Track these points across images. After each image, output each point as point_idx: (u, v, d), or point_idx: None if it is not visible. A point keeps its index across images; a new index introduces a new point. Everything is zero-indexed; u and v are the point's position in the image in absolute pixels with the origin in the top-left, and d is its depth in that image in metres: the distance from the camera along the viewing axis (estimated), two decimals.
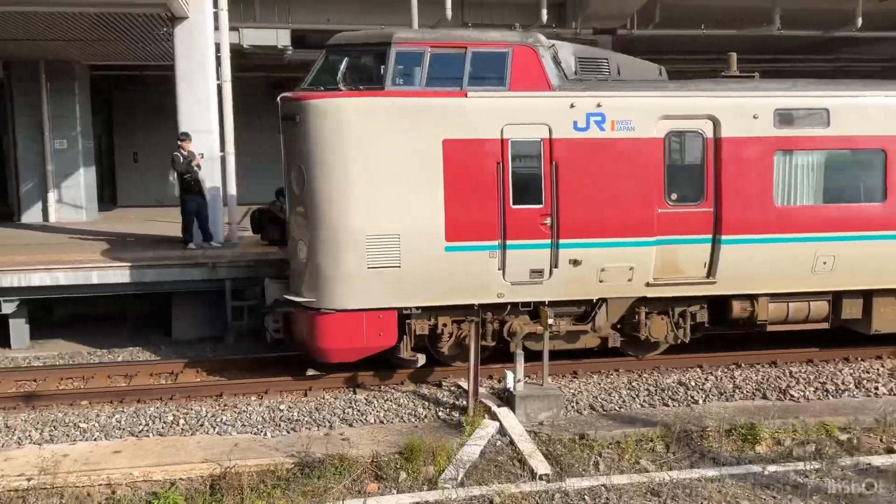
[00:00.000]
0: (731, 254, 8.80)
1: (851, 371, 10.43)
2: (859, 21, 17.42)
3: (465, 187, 8.10)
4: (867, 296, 9.61)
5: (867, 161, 8.99)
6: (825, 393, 9.90)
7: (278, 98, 8.47)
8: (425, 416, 8.90)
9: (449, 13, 16.53)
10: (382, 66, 8.01)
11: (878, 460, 8.18)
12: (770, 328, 9.72)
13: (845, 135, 8.79)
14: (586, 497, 7.35)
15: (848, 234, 8.97)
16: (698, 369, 10.66)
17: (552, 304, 8.72)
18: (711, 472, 7.93)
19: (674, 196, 8.90)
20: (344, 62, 8.17)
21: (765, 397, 9.77)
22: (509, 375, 9.27)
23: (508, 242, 8.31)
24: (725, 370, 10.65)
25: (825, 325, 9.88)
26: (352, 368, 9.62)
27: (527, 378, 9.27)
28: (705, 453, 8.39)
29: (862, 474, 7.88)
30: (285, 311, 8.78)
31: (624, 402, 9.55)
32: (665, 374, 10.37)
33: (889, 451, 8.45)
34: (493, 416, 8.82)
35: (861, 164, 9.02)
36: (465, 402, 9.13)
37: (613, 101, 8.45)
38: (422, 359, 9.30)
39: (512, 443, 8.28)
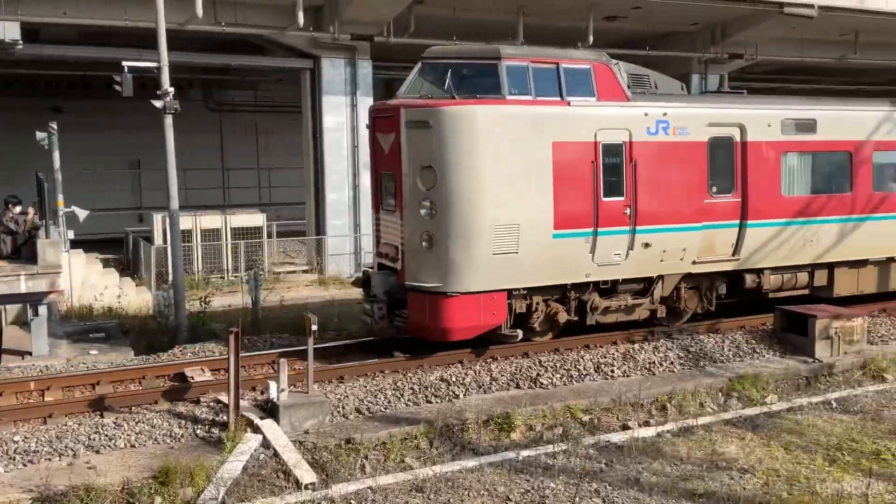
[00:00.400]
0: (752, 235, 10.96)
1: (592, 357, 11.14)
2: (591, 38, 19.04)
3: (569, 182, 9.66)
4: (831, 268, 12.20)
5: (839, 160, 11.63)
6: (570, 379, 10.55)
7: (371, 107, 10.09)
8: (182, 436, 8.68)
9: (200, 11, 15.86)
10: (495, 79, 9.40)
11: (616, 437, 8.90)
12: (770, 295, 11.99)
13: (826, 139, 11.35)
14: (352, 501, 7.37)
15: (827, 218, 11.57)
16: (459, 365, 10.93)
17: (624, 281, 10.51)
18: (472, 463, 8.22)
19: (714, 189, 10.95)
20: (448, 74, 9.34)
21: (518, 387, 10.29)
22: (272, 385, 9.13)
23: (599, 230, 9.92)
24: (483, 364, 10.98)
25: (806, 292, 12.28)
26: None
27: (291, 387, 9.18)
28: (466, 445, 8.67)
29: (603, 451, 8.53)
30: (392, 299, 9.92)
31: (390, 402, 9.69)
32: (428, 372, 10.59)
33: (624, 427, 9.21)
34: (257, 430, 8.76)
35: (835, 162, 11.63)
36: (225, 418, 8.94)
37: (675, 110, 10.42)
38: (520, 334, 10.50)
39: (276, 454, 8.20)
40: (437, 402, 9.69)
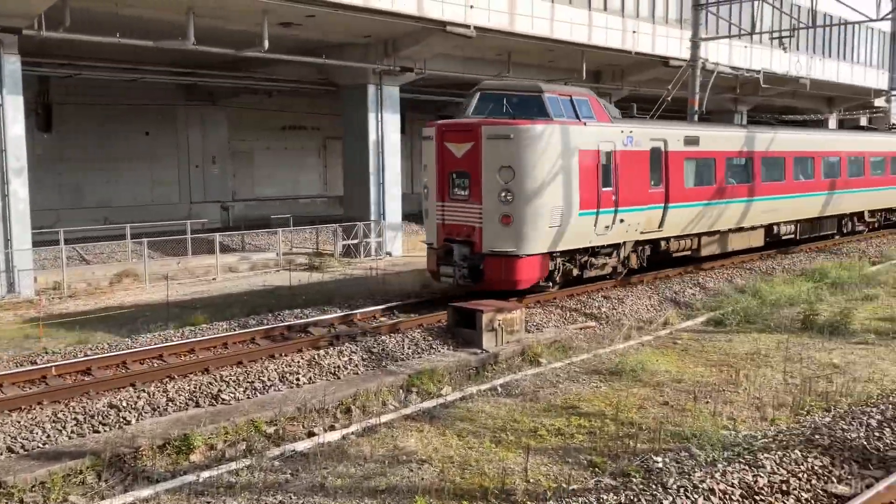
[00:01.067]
0: (670, 214, 16.12)
1: (276, 367, 11.08)
2: (266, 43, 18.82)
3: (585, 177, 14.08)
4: (699, 237, 18.18)
5: (710, 163, 17.52)
6: (254, 391, 10.38)
7: (439, 124, 14.28)
8: None
9: None
10: (542, 107, 13.98)
11: (301, 445, 8.82)
12: (675, 255, 17.38)
13: (705, 150, 17.14)
14: None
15: (706, 202, 17.14)
16: (131, 388, 10.41)
17: (604, 247, 15.34)
18: (146, 492, 7.70)
19: (652, 182, 15.85)
20: (504, 102, 13.91)
21: (198, 405, 9.88)
22: None
23: (600, 210, 14.38)
24: (159, 384, 10.55)
25: (688, 253, 18.22)
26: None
27: None
28: (140, 474, 8.15)
29: (288, 461, 8.42)
30: (471, 262, 14.00)
31: (49, 437, 8.94)
32: (95, 399, 9.82)
33: (310, 434, 9.18)
34: None
35: (708, 165, 17.43)
36: None
37: (635, 129, 15.19)
38: (551, 286, 15.01)
39: None
40: (105, 432, 9.01)
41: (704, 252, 18.56)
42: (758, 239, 20.20)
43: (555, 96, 14.71)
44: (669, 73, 27.79)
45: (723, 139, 18.73)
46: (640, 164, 16.00)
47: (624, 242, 16.23)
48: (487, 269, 14.33)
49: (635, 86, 30.57)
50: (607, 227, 15.40)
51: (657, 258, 17.56)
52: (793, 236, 21.67)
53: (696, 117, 22.01)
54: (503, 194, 14.17)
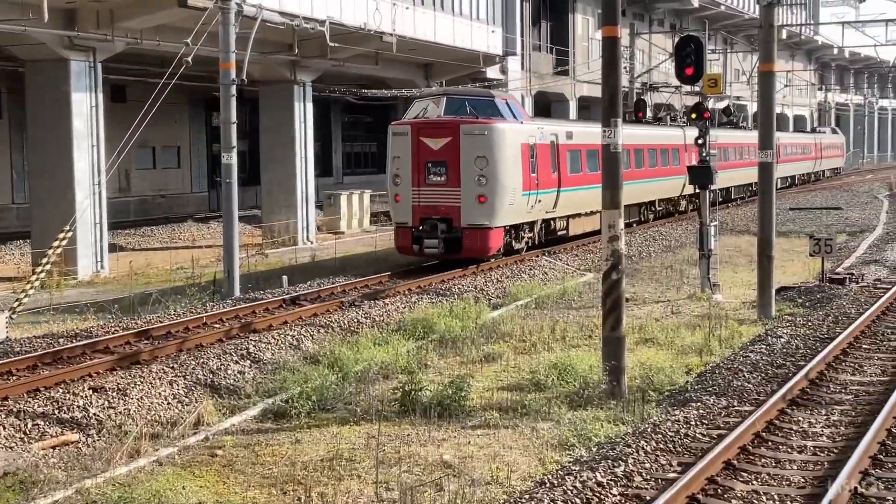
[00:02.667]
0: (562, 197, 30.04)
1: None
2: None
3: (525, 165, 28.38)
4: (570, 217, 33.35)
5: (578, 155, 31.91)
6: None
7: (413, 124, 28.36)
8: None
9: None
10: (496, 109, 28.78)
11: None
12: (571, 233, 32.63)
13: (578, 143, 31.60)
14: None
15: (578, 187, 31.05)
16: None
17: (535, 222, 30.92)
18: None
19: (551, 169, 30.29)
20: (467, 104, 28.56)
21: None
22: None
23: (531, 192, 28.93)
24: None
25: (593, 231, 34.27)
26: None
27: None
28: None
29: None
30: (449, 235, 27.40)
31: None
32: None
33: None
34: None
35: (578, 156, 31.75)
36: None
37: (544, 126, 30.22)
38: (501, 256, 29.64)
39: None
40: None
41: (577, 231, 33.66)
42: (594, 223, 33.82)
43: (502, 100, 29.63)
44: (190, 17, 27.46)
45: (584, 134, 33.00)
46: (547, 154, 30.02)
47: (538, 220, 30.57)
48: (466, 240, 27.62)
49: (135, 36, 30.02)
50: (532, 206, 29.12)
51: (550, 237, 32.09)
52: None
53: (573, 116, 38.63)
54: (479, 178, 27.43)
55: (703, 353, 18.69)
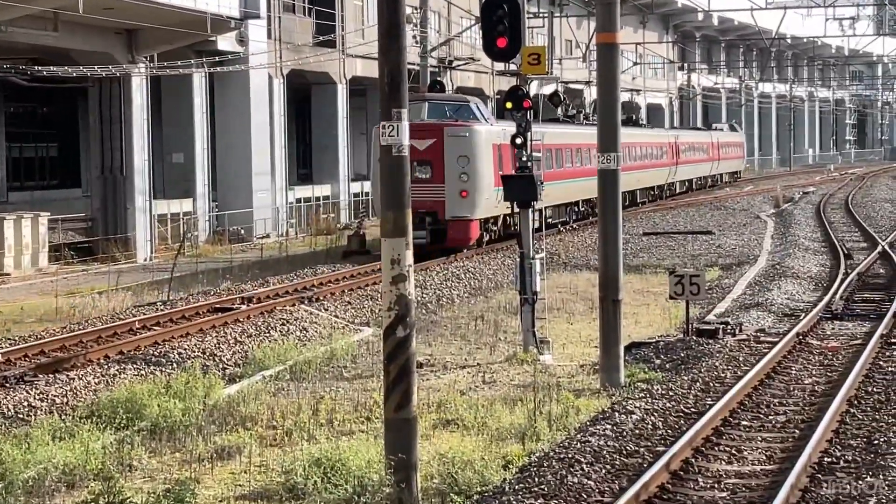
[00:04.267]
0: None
1: None
2: None
3: (495, 163, 47.84)
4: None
5: (550, 154, 52.67)
6: None
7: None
8: None
9: None
10: (471, 112, 49.05)
11: None
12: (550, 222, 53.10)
13: (549, 142, 46.39)
14: None
15: (556, 182, 52.32)
16: None
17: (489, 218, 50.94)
18: None
19: (511, 167, 37.00)
20: (446, 109, 48.06)
21: None
22: None
23: (497, 187, 41.98)
24: None
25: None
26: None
27: None
28: None
29: None
30: (435, 227, 45.68)
31: None
32: None
33: None
34: None
35: (550, 154, 52.98)
36: None
37: (506, 127, 41.63)
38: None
39: None
40: None
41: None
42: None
43: (475, 104, 48.00)
44: None
45: (553, 134, 49.72)
46: (509, 154, 35.77)
47: (501, 214, 46.34)
48: (451, 231, 44.38)
49: None
50: (499, 201, 39.62)
51: (507, 231, 47.41)
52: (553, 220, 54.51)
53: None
54: (461, 175, 44.05)
55: (528, 438, 18.92)
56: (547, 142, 46.12)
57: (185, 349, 26.13)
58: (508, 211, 43.80)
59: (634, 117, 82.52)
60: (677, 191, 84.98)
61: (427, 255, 42.76)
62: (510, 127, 40.79)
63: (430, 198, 43.91)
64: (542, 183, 26.92)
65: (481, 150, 45.53)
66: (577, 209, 61.10)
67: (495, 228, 49.02)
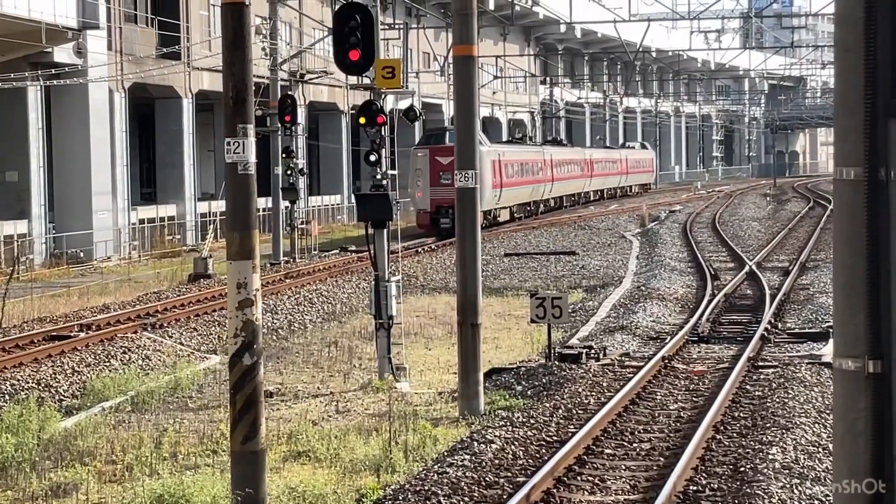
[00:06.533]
0: (504, 193, 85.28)
1: None
2: None
3: (492, 172, 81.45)
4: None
5: (510, 165, 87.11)
6: None
7: (430, 147, 76.33)
8: None
9: None
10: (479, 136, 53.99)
11: None
12: (501, 220, 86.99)
13: (509, 159, 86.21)
14: None
15: (512, 188, 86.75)
16: None
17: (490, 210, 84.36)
18: None
19: (494, 177, 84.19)
20: (446, 135, 77.61)
21: None
22: None
23: (494, 189, 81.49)
24: None
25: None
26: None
27: None
28: None
29: None
30: (454, 216, 32.97)
31: None
32: None
33: None
34: None
35: (509, 166, 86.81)
36: None
37: (497, 149, 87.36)
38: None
39: None
40: None
41: (505, 218, 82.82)
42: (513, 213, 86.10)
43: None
44: None
45: (512, 152, 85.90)
46: (498, 166, 78.48)
47: (492, 208, 78.33)
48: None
49: None
50: (497, 197, 78.71)
51: (492, 222, 78.51)
52: (531, 210, 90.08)
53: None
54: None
55: (383, 470, 18.90)
56: (504, 158, 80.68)
57: (18, 380, 25.75)
58: (498, 206, 79.97)
59: (558, 137, 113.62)
60: (591, 198, 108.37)
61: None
62: (501, 147, 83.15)
63: (450, 196, 58.54)
64: (397, 202, 26.93)
65: (485, 164, 69.52)
66: (528, 207, 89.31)
67: (490, 217, 75.67)
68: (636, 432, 20.97)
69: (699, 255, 52.58)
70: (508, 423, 21.60)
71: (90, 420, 22.90)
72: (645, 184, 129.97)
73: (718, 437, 20.47)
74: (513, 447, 19.77)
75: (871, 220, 6.63)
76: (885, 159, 6.60)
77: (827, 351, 27.82)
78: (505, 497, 16.74)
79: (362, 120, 26.67)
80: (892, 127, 6.60)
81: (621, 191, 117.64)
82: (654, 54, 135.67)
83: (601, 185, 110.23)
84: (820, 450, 19.26)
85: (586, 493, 17.40)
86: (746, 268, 46.16)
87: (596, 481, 17.91)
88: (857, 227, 6.69)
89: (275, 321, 35.15)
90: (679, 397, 23.96)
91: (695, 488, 17.34)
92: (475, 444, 20.02)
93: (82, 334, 31.52)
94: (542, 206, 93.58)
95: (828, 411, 21.99)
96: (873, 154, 6.60)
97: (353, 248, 58.62)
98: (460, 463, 18.77)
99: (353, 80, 28.84)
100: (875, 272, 6.66)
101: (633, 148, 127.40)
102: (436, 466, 18.79)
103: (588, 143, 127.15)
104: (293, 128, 53.96)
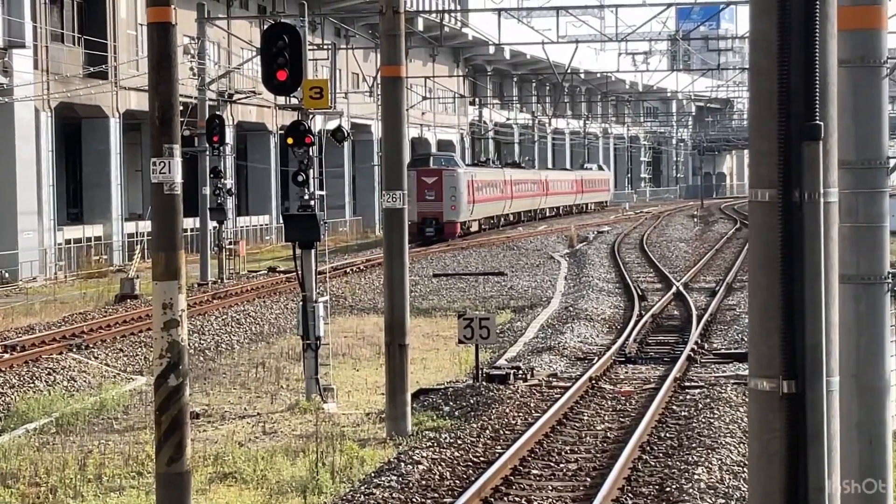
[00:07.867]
0: (476, 206, 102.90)
1: None
2: None
3: (468, 190, 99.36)
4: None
5: (481, 184, 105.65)
6: None
7: (417, 170, 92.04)
8: None
9: None
10: (454, 162, 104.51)
11: None
12: (472, 230, 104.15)
13: (480, 178, 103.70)
14: None
15: (484, 202, 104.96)
16: None
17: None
18: None
19: (473, 193, 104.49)
20: (442, 160, 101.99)
21: None
22: None
23: (469, 204, 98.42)
24: None
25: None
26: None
27: None
28: None
29: None
30: (437, 227, 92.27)
31: None
32: None
33: None
34: None
35: (482, 185, 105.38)
36: None
37: (470, 171, 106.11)
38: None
39: None
40: None
41: (475, 229, 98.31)
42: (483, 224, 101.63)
43: (456, 157, 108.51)
44: None
45: (484, 173, 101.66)
46: (471, 184, 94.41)
47: (466, 220, 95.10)
48: (446, 228, 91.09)
49: None
50: (471, 211, 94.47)
51: (466, 231, 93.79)
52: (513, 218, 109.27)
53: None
54: (451, 197, 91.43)
55: (309, 491, 18.94)
56: (476, 178, 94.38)
57: None
58: (471, 219, 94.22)
59: (516, 160, 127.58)
60: (547, 214, 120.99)
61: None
62: (473, 169, 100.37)
63: (433, 210, 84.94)
64: (324, 222, 27.03)
65: (462, 183, 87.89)
66: (492, 220, 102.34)
67: (464, 228, 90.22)
68: (563, 453, 21.07)
69: (627, 276, 52.84)
70: (436, 444, 21.67)
71: (14, 442, 22.77)
72: (601, 201, 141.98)
73: (645, 457, 20.61)
74: (440, 468, 19.83)
75: (786, 242, 6.74)
76: (798, 182, 6.72)
77: None
78: None
79: (290, 140, 26.70)
80: (806, 150, 6.72)
81: (577, 208, 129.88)
82: (582, 76, 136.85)
83: (555, 202, 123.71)
84: (744, 470, 19.41)
85: None
86: (674, 288, 46.45)
87: (523, 502, 18.00)
88: (771, 249, 6.81)
89: (202, 342, 35.06)
90: (606, 418, 24.10)
91: None
92: (402, 465, 20.07)
93: (6, 355, 31.25)
94: (502, 219, 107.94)
95: None
96: (787, 176, 6.71)
97: (282, 268, 58.10)
98: (387, 484, 18.82)
99: (281, 100, 28.70)
100: (789, 294, 6.77)
101: (591, 169, 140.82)
102: (363, 488, 18.85)
103: (543, 165, 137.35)
104: (221, 148, 53.55)
